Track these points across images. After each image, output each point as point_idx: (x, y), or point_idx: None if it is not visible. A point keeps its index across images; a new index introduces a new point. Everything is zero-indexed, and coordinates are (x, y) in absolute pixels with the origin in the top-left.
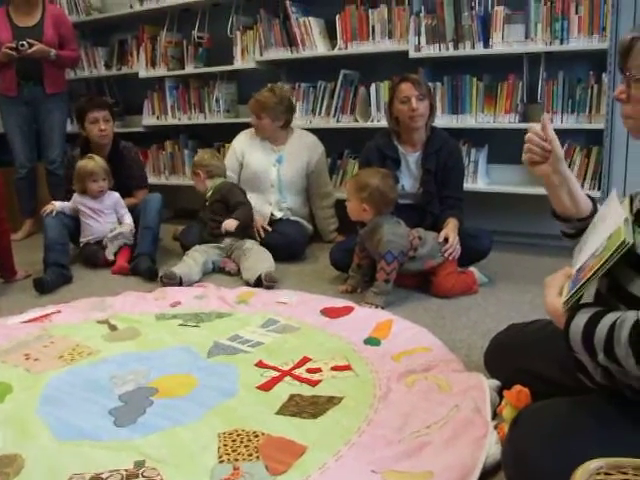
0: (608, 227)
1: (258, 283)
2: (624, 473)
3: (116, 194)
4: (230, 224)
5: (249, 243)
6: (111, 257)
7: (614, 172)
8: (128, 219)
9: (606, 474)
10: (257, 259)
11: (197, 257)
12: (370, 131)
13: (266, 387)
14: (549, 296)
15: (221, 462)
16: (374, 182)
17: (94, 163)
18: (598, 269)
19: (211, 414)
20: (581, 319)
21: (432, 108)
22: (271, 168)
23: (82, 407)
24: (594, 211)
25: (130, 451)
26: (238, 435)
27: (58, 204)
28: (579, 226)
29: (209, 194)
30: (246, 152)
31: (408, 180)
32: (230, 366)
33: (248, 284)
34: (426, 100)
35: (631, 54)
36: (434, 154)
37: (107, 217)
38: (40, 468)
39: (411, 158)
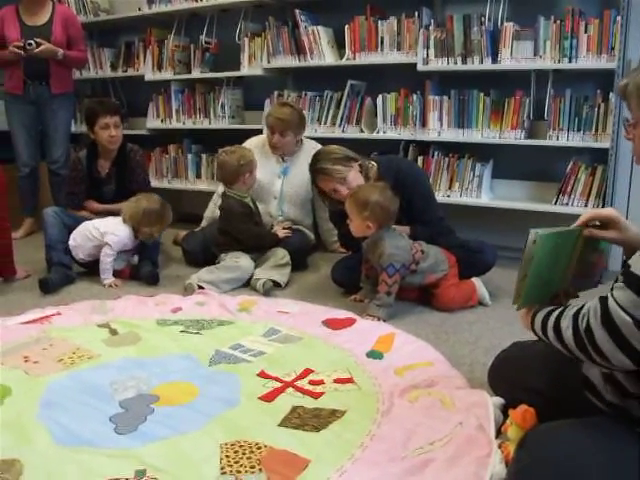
0: None
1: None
2: None
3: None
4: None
5: (281, 252)
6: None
7: (618, 191)
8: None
9: None
10: (272, 271)
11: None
12: (375, 142)
13: (268, 398)
14: None
15: (223, 474)
16: (374, 198)
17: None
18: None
19: (213, 424)
20: (542, 313)
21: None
22: (276, 180)
23: (82, 413)
24: None
25: (131, 460)
26: (240, 446)
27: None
28: None
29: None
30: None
31: None
32: (232, 375)
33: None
34: (344, 186)
35: (626, 100)
36: None
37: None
38: (39, 474)
39: None
